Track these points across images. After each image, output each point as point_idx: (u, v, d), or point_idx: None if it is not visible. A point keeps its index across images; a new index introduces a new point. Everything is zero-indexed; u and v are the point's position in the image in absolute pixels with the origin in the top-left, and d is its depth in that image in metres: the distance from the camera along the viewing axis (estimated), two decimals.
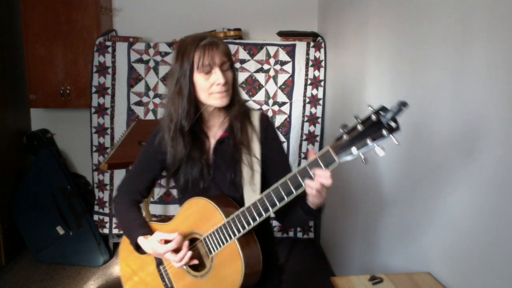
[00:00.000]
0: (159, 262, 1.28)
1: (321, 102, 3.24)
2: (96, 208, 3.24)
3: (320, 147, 3.27)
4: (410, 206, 1.69)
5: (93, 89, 3.17)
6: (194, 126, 1.18)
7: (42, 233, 3.08)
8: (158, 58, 3.17)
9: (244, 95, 3.06)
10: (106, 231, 3.22)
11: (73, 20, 3.19)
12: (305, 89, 3.23)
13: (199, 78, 1.12)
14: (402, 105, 0.80)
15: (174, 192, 3.22)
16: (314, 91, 3.23)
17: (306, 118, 3.25)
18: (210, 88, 1.12)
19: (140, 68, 3.18)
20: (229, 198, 1.18)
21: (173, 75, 1.14)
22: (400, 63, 1.80)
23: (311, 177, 0.94)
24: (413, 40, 1.66)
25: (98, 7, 3.19)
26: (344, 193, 2.61)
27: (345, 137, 0.87)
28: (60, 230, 3.08)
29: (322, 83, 3.22)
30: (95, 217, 3.22)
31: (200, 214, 1.16)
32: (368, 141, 0.84)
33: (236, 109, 1.18)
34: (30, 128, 3.55)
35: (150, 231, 1.22)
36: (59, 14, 3.17)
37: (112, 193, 3.23)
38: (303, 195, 1.01)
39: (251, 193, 1.14)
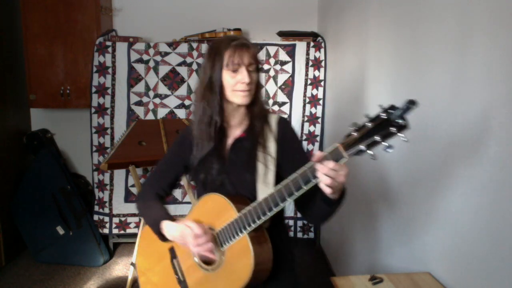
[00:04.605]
0: (173, 256, 1.34)
1: (321, 102, 3.24)
2: (96, 208, 3.24)
3: (320, 147, 3.27)
4: (411, 206, 1.69)
5: (93, 89, 3.17)
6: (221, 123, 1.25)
7: (42, 233, 3.08)
8: (158, 58, 3.17)
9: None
10: (106, 231, 3.22)
11: (73, 20, 3.19)
12: (305, 89, 3.23)
13: (226, 75, 1.17)
14: (411, 103, 0.82)
15: (175, 192, 3.23)
16: (314, 91, 3.23)
17: (306, 118, 3.25)
18: (235, 85, 1.17)
19: (140, 68, 3.18)
20: (243, 195, 1.22)
21: (205, 72, 1.20)
22: (400, 63, 1.80)
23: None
24: (413, 40, 1.66)
25: (98, 7, 3.19)
26: None
27: (354, 134, 0.90)
28: (60, 230, 3.08)
29: (322, 83, 3.22)
30: (95, 217, 3.22)
31: (215, 210, 1.20)
32: (377, 138, 0.86)
33: (257, 109, 1.24)
34: (30, 128, 3.55)
35: (174, 220, 1.28)
36: (59, 14, 3.17)
37: (112, 193, 3.24)
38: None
39: (264, 190, 1.17)
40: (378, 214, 2.05)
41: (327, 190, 0.98)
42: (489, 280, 1.16)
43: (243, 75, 1.16)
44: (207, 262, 1.23)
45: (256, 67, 1.20)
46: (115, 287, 2.78)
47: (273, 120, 1.27)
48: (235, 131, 1.27)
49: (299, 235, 3.37)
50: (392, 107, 0.85)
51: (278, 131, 1.24)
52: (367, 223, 2.21)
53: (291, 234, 3.35)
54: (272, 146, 1.22)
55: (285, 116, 3.22)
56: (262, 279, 1.16)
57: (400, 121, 0.84)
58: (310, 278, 2.90)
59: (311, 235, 3.38)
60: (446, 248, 1.40)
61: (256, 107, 1.23)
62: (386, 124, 0.85)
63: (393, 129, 0.85)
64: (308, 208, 1.19)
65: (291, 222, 3.34)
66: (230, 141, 1.27)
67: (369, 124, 0.88)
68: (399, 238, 1.80)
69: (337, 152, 0.93)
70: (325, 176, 0.95)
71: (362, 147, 0.89)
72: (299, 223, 3.36)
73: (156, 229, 1.28)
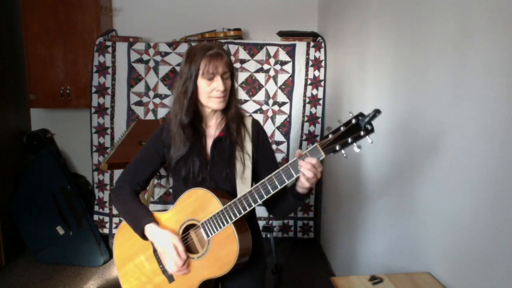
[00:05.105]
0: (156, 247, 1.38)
1: (321, 102, 3.24)
2: (96, 208, 3.24)
3: None
4: (411, 207, 1.69)
5: (93, 89, 3.17)
6: (196, 124, 1.35)
7: (42, 233, 3.08)
8: (158, 58, 3.17)
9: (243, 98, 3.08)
10: (106, 231, 3.22)
11: (73, 20, 3.19)
12: (305, 89, 3.23)
13: (202, 83, 1.28)
14: (377, 111, 1.01)
15: None
16: (314, 91, 3.23)
17: (306, 118, 3.25)
18: (210, 92, 1.28)
19: (140, 68, 3.18)
20: (223, 190, 1.34)
21: (182, 77, 1.30)
22: (400, 63, 1.80)
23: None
24: (413, 40, 1.66)
25: (98, 7, 3.19)
26: (344, 194, 2.61)
27: (330, 136, 1.08)
28: (60, 230, 3.08)
29: (322, 83, 3.22)
30: (95, 217, 3.22)
31: (199, 203, 1.30)
32: (349, 140, 1.05)
33: (232, 112, 1.35)
34: (30, 128, 3.55)
35: (156, 221, 1.34)
36: (59, 14, 3.17)
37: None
38: (293, 184, 1.20)
39: (242, 186, 1.31)
40: (379, 214, 2.05)
41: (307, 184, 1.15)
42: (489, 280, 1.16)
43: (218, 84, 1.26)
44: (191, 250, 1.33)
45: (230, 74, 1.31)
46: (115, 287, 2.78)
47: (248, 122, 1.40)
48: (215, 131, 1.38)
49: (299, 235, 3.37)
50: (361, 114, 1.03)
51: (253, 132, 1.38)
52: (367, 223, 2.21)
53: (291, 234, 3.36)
54: (248, 145, 1.36)
55: (285, 116, 3.23)
56: (243, 263, 1.28)
57: (368, 126, 1.02)
58: (310, 278, 2.91)
59: (311, 235, 3.38)
60: (446, 248, 1.40)
61: (231, 110, 1.35)
62: (356, 129, 1.03)
63: (362, 133, 1.02)
64: (277, 203, 1.33)
65: (291, 222, 3.35)
66: (210, 140, 1.38)
67: (342, 128, 1.06)
68: (399, 238, 1.80)
69: (316, 151, 1.10)
70: (307, 171, 1.10)
71: (337, 147, 1.07)
72: (299, 223, 3.36)
73: (139, 231, 1.32)
